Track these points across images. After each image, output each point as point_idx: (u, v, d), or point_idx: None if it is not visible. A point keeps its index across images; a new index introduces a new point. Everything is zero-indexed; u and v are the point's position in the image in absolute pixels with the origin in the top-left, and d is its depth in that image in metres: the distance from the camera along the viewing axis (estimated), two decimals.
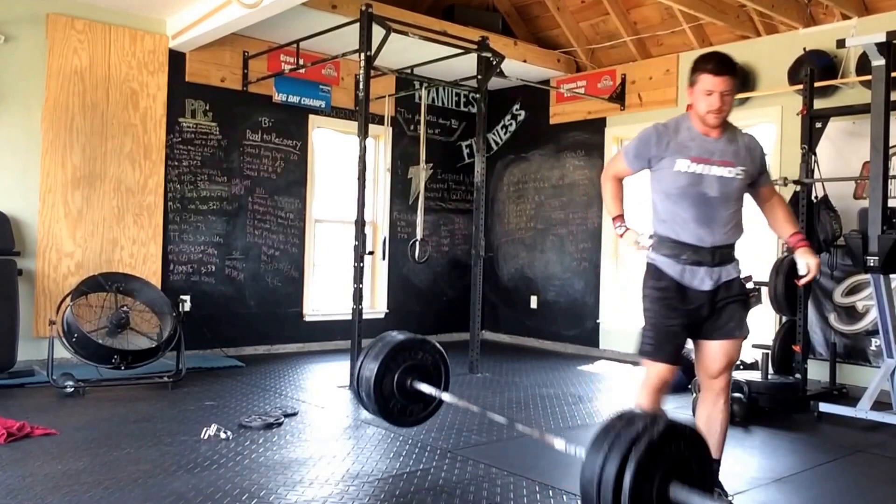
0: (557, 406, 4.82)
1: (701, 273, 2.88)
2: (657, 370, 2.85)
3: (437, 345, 3.50)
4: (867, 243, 4.40)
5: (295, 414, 4.29)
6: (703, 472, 2.38)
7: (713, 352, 2.90)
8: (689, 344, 4.70)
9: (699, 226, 2.89)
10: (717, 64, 2.78)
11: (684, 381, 5.49)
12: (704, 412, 2.95)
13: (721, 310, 2.90)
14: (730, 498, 3.00)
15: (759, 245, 6.15)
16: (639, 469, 2.16)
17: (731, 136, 2.90)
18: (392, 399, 3.26)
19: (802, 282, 3.06)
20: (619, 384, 5.77)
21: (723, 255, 2.94)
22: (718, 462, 2.94)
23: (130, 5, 5.84)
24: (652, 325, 2.88)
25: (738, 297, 2.95)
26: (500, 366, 6.17)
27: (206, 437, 3.77)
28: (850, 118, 5.37)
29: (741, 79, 2.93)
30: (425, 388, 3.32)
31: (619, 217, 2.98)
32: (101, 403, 4.53)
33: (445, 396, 3.25)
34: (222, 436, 3.77)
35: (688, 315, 2.87)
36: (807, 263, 2.97)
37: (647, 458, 2.19)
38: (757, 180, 2.99)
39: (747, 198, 3.06)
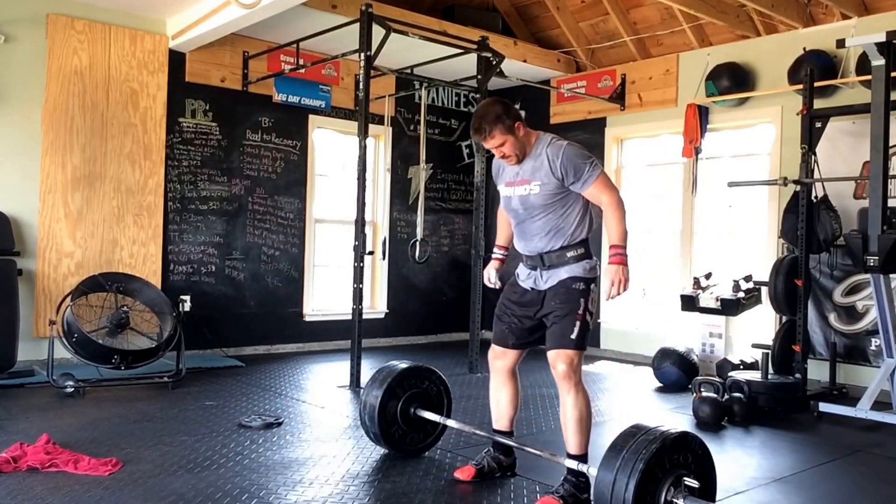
0: (558, 406, 4.80)
1: (534, 275, 3.13)
2: (491, 351, 3.29)
3: (441, 374, 3.69)
4: (867, 243, 4.40)
5: (280, 423, 4.22)
6: (706, 480, 2.46)
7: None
8: (690, 344, 4.77)
9: (518, 238, 3.21)
10: (473, 132, 3.03)
11: (684, 380, 5.50)
12: (560, 405, 3.05)
13: (547, 317, 3.06)
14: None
15: (759, 245, 6.16)
16: (643, 481, 2.32)
17: (534, 155, 3.04)
18: (394, 425, 3.47)
19: (606, 298, 3.09)
20: (619, 384, 5.77)
21: (551, 259, 3.07)
22: (573, 457, 2.96)
23: (130, 6, 5.84)
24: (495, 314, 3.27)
25: (562, 305, 3.01)
26: None
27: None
28: (850, 118, 5.37)
29: (507, 124, 2.98)
30: (429, 415, 3.50)
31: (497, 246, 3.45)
32: (101, 403, 4.53)
33: (450, 422, 3.41)
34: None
35: (521, 308, 3.16)
36: (610, 279, 2.98)
37: (651, 470, 2.37)
38: (570, 186, 3.01)
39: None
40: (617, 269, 2.97)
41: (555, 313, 3.01)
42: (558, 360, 2.95)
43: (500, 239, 3.46)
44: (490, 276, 3.41)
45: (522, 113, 7.91)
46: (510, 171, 3.13)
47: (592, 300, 3.05)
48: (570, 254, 3.05)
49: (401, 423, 3.49)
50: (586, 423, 2.98)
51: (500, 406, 3.32)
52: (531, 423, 4.34)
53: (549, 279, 3.07)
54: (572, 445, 2.97)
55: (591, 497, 2.46)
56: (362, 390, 3.56)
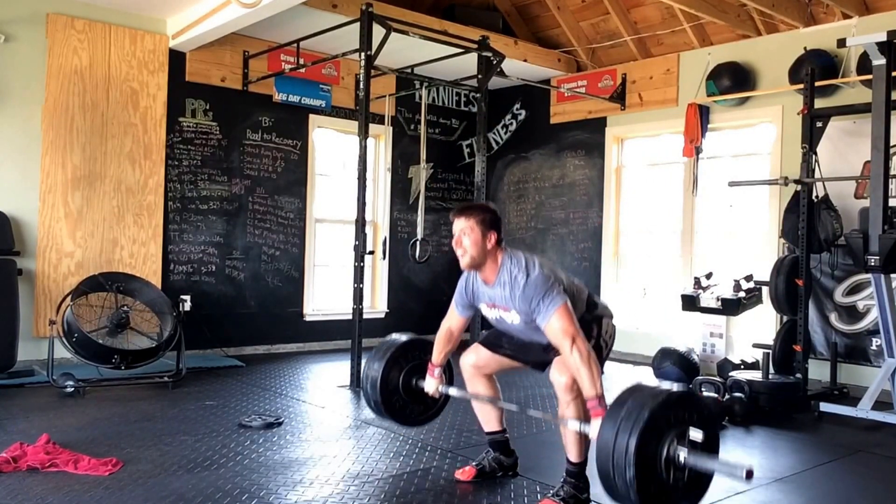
0: (556, 405, 4.80)
1: None
2: (467, 358, 3.25)
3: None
4: (868, 243, 4.40)
5: (280, 423, 4.23)
6: (711, 438, 2.43)
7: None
8: (690, 344, 4.76)
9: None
10: (457, 209, 3.02)
11: (685, 380, 5.50)
12: (559, 412, 2.97)
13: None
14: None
15: (760, 245, 6.15)
16: (647, 432, 2.31)
17: (499, 282, 2.97)
18: (396, 396, 3.35)
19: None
20: (619, 384, 5.75)
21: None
22: (573, 464, 2.94)
23: (130, 5, 5.84)
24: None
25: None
26: None
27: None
28: (851, 117, 5.36)
29: (484, 225, 2.95)
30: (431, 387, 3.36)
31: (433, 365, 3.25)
32: (102, 403, 4.53)
33: (452, 391, 3.31)
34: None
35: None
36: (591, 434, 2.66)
37: (655, 422, 2.34)
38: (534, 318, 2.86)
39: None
40: (598, 422, 2.56)
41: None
42: (563, 372, 2.83)
43: (437, 358, 3.26)
44: (435, 387, 3.23)
45: (523, 112, 7.94)
46: (486, 294, 3.03)
47: (606, 331, 3.03)
48: None
49: (402, 394, 3.38)
50: (586, 435, 2.91)
51: (483, 408, 3.28)
52: (531, 422, 4.33)
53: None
54: (573, 454, 2.94)
55: (595, 448, 2.40)
56: (364, 361, 3.48)
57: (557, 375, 2.86)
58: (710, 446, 2.46)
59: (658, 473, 2.35)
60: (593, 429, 2.59)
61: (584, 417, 2.86)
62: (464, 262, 2.98)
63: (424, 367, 3.33)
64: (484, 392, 3.27)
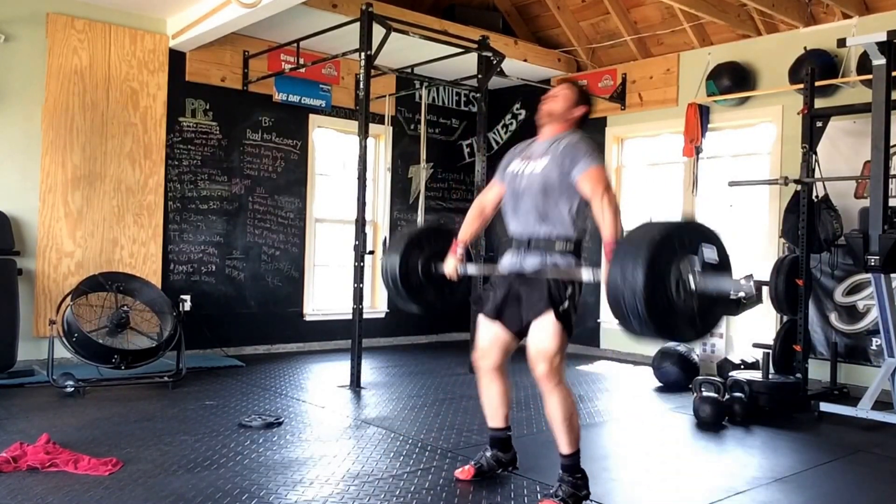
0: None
1: (518, 258, 3.06)
2: (477, 350, 3.22)
3: (442, 226, 3.68)
4: (868, 243, 4.40)
5: (280, 423, 4.24)
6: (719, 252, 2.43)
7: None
8: (690, 344, 4.71)
9: (511, 217, 3.14)
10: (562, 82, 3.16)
11: (685, 380, 5.50)
12: (544, 406, 2.99)
13: (527, 311, 3.01)
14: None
15: (760, 244, 6.15)
16: (658, 249, 2.31)
17: (555, 139, 3.06)
18: (415, 278, 3.37)
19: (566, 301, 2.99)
20: (619, 384, 5.77)
21: (538, 244, 3.01)
22: (566, 456, 2.94)
23: (130, 5, 5.84)
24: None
25: (541, 301, 2.94)
26: None
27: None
28: (851, 117, 5.36)
29: (575, 98, 3.11)
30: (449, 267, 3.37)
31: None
32: (102, 403, 4.53)
33: (471, 269, 3.37)
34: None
35: (501, 291, 3.12)
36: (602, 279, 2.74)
37: (667, 240, 2.35)
38: (568, 171, 2.95)
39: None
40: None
41: (534, 310, 2.94)
42: (538, 360, 2.89)
43: (465, 234, 3.34)
44: (454, 267, 3.27)
45: (523, 112, 7.94)
46: (527, 151, 3.15)
47: (575, 300, 2.96)
48: (557, 246, 2.97)
49: (422, 279, 3.39)
50: (572, 419, 2.94)
51: (493, 402, 3.28)
52: (531, 422, 4.33)
53: (530, 261, 2.99)
54: (564, 444, 2.94)
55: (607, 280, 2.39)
56: (385, 250, 3.50)
57: (533, 364, 2.91)
58: (721, 266, 2.43)
59: (669, 297, 2.33)
60: (603, 270, 2.63)
61: (567, 406, 2.91)
62: (542, 111, 3.14)
63: (444, 253, 3.35)
64: (496, 396, 3.24)
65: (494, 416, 3.30)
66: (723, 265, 2.44)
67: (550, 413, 2.95)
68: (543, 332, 2.90)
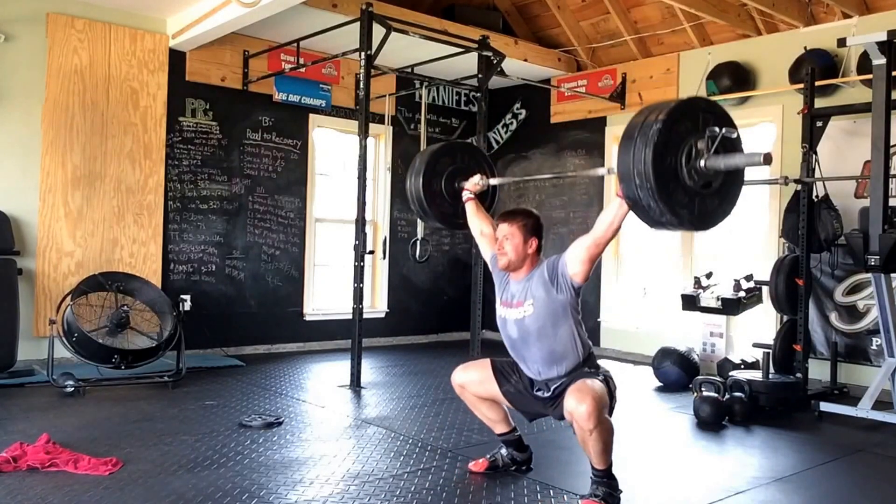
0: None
1: (543, 390, 3.10)
2: (464, 377, 3.29)
3: (472, 144, 3.81)
4: (868, 242, 4.40)
5: (281, 422, 4.25)
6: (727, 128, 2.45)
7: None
8: (690, 343, 4.67)
9: (518, 361, 3.16)
10: (504, 212, 3.20)
11: (685, 380, 5.50)
12: (577, 434, 2.92)
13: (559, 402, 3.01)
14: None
15: (760, 244, 6.15)
16: (669, 122, 2.32)
17: (530, 276, 3.07)
18: (439, 198, 3.60)
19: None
20: (619, 384, 5.74)
21: (556, 384, 3.02)
22: (600, 471, 2.93)
23: (130, 5, 5.84)
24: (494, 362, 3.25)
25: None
26: None
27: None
28: (851, 117, 5.36)
29: (527, 230, 3.15)
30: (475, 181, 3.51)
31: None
32: (102, 403, 4.53)
33: (493, 181, 3.50)
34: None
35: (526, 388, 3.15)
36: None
37: (679, 114, 2.36)
38: (560, 265, 2.98)
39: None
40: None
41: (569, 386, 2.92)
42: (582, 401, 2.75)
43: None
44: (476, 181, 3.46)
45: (523, 112, 7.94)
46: (508, 292, 3.14)
47: (609, 380, 3.00)
48: (574, 374, 3.00)
49: (447, 198, 3.59)
50: (610, 446, 2.90)
51: (486, 413, 3.31)
52: (532, 423, 4.32)
53: (554, 391, 3.04)
54: (598, 462, 2.92)
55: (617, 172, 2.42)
56: (408, 175, 3.69)
57: (576, 404, 2.77)
58: (730, 144, 2.45)
59: (680, 176, 2.36)
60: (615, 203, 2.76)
61: (607, 437, 2.85)
62: (501, 262, 3.14)
63: (464, 169, 3.55)
64: (485, 407, 3.29)
65: (494, 424, 3.34)
66: (732, 142, 2.43)
67: (590, 447, 2.85)
68: (584, 384, 2.85)
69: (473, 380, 3.26)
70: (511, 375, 3.20)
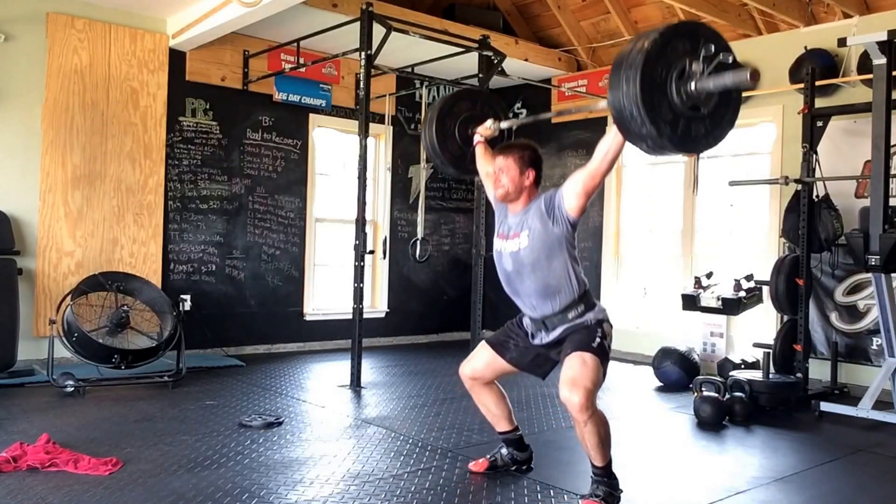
0: (559, 405, 4.81)
1: (539, 334, 3.10)
2: (468, 367, 3.27)
3: (489, 92, 3.83)
4: (868, 242, 4.40)
5: (281, 422, 4.26)
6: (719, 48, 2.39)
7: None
8: (691, 343, 4.64)
9: (513, 297, 3.15)
10: (500, 146, 3.22)
11: (685, 380, 5.50)
12: (576, 429, 2.92)
13: (559, 354, 3.01)
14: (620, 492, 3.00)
15: (761, 244, 6.15)
16: (646, 77, 2.27)
17: (527, 208, 3.06)
18: (455, 146, 3.62)
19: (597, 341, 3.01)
20: (619, 384, 5.76)
21: (553, 322, 3.01)
22: (599, 468, 2.93)
23: (130, 4, 5.83)
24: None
25: (574, 341, 2.96)
26: None
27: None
28: (852, 117, 5.36)
29: (523, 161, 3.12)
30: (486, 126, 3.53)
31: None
32: (102, 403, 4.53)
33: (503, 124, 3.52)
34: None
35: (524, 341, 3.16)
36: None
37: (654, 64, 2.30)
38: (557, 197, 2.97)
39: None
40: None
41: (565, 351, 2.93)
42: (574, 391, 2.77)
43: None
44: (489, 124, 3.48)
45: (524, 112, 7.94)
46: (505, 225, 3.15)
47: (606, 335, 2.98)
48: (570, 314, 2.98)
49: (459, 142, 3.60)
50: (607, 439, 2.92)
51: (490, 410, 3.32)
52: (532, 422, 4.33)
53: (553, 334, 3.03)
54: (598, 459, 2.93)
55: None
56: (422, 125, 3.66)
57: (568, 394, 2.78)
58: (725, 69, 2.39)
59: (670, 101, 2.34)
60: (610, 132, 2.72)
61: (602, 429, 2.86)
62: (499, 193, 3.12)
63: (477, 116, 3.58)
64: (492, 403, 3.30)
65: (497, 421, 3.34)
66: (727, 67, 2.41)
67: (586, 440, 2.87)
68: (578, 364, 2.84)
69: (479, 366, 3.24)
70: (508, 341, 3.20)
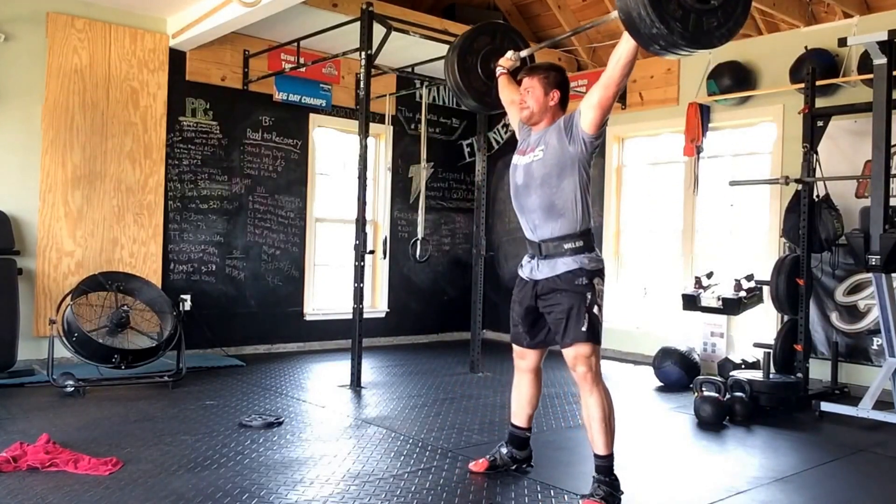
0: (558, 405, 4.81)
1: (532, 264, 3.11)
2: (514, 350, 3.31)
3: (509, 25, 3.90)
4: (869, 242, 4.39)
5: (281, 422, 4.27)
6: None
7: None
8: (691, 343, 4.64)
9: (519, 215, 3.17)
10: (526, 68, 3.22)
11: (685, 380, 5.50)
12: (582, 405, 3.04)
13: (550, 313, 3.05)
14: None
15: (761, 244, 6.15)
16: None
17: (550, 127, 3.09)
18: (477, 81, 3.62)
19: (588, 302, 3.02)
20: (620, 383, 5.76)
21: (549, 248, 3.02)
22: (601, 457, 2.96)
23: (131, 4, 5.83)
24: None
25: (566, 301, 2.97)
26: (501, 365, 6.16)
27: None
28: (852, 117, 5.35)
29: (548, 82, 3.16)
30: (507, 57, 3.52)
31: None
32: (102, 403, 4.52)
33: (523, 52, 3.51)
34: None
35: (520, 306, 3.17)
36: None
37: None
38: (577, 115, 2.99)
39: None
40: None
41: (560, 309, 2.97)
42: (576, 361, 2.94)
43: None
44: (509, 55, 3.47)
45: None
46: (526, 141, 3.18)
47: (598, 293, 2.98)
48: (567, 245, 2.98)
49: (485, 80, 3.62)
50: (610, 420, 2.97)
51: (520, 402, 3.35)
52: (532, 423, 4.32)
53: (544, 269, 3.03)
54: (599, 446, 2.96)
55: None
56: (445, 64, 3.65)
57: (577, 365, 2.94)
58: None
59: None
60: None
61: (605, 406, 2.96)
62: (523, 115, 3.15)
63: (497, 50, 3.57)
64: (524, 394, 3.33)
65: (519, 413, 3.35)
66: None
67: (589, 413, 2.98)
68: (575, 331, 2.93)
69: (518, 362, 3.31)
70: (516, 319, 3.22)
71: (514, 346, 3.31)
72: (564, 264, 2.98)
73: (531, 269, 3.10)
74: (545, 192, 2.99)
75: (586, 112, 2.93)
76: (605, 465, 2.96)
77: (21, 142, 5.53)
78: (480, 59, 3.63)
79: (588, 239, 3.01)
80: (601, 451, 2.95)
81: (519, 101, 3.16)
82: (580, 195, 2.98)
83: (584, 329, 2.91)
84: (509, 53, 3.51)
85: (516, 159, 3.17)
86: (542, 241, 3.03)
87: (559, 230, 2.98)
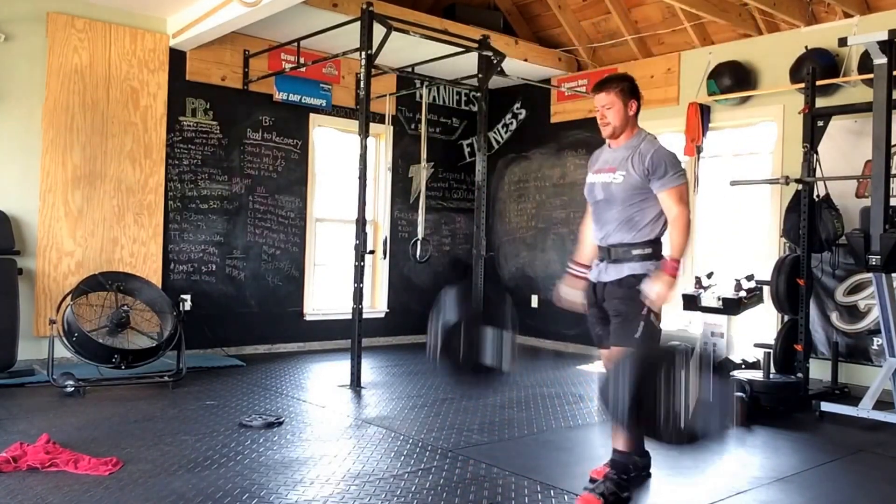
0: (558, 405, 4.81)
1: (599, 267, 3.16)
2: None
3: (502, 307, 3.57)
4: (869, 242, 4.39)
5: (281, 422, 4.27)
6: None
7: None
8: (691, 343, 4.60)
9: (594, 225, 3.23)
10: (596, 85, 3.16)
11: None
12: None
13: (610, 313, 3.09)
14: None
15: (761, 244, 6.15)
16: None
17: (628, 145, 3.08)
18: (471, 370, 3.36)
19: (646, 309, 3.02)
20: None
21: (618, 253, 3.07)
22: (620, 453, 3.00)
23: (131, 4, 5.83)
24: None
25: (625, 304, 3.02)
26: None
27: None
28: (852, 117, 5.35)
29: (625, 94, 3.12)
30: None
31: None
32: (102, 403, 4.52)
33: (591, 274, 3.30)
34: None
35: (592, 308, 3.21)
36: (648, 290, 2.94)
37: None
38: (650, 183, 3.02)
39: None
40: (667, 279, 2.90)
41: (617, 312, 3.01)
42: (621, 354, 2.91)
43: (579, 255, 3.38)
44: (565, 293, 3.31)
45: (524, 112, 7.94)
46: (602, 159, 3.19)
47: (654, 316, 3.03)
48: (636, 251, 3.03)
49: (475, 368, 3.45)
50: (641, 413, 2.94)
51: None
52: (532, 423, 4.33)
53: (610, 272, 3.07)
54: (622, 441, 2.98)
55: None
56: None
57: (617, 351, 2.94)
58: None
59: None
60: (656, 284, 2.89)
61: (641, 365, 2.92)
62: (606, 131, 3.14)
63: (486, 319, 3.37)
64: None
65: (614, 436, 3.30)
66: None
67: (621, 403, 2.91)
68: (627, 334, 2.97)
69: (604, 358, 3.27)
70: (591, 322, 3.24)
71: (600, 350, 3.28)
72: (630, 269, 3.03)
73: (598, 272, 3.14)
74: (627, 209, 3.05)
75: (658, 190, 3.00)
76: (621, 462, 2.96)
77: (21, 142, 5.52)
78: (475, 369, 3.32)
79: (657, 248, 3.07)
80: (621, 447, 2.99)
81: (599, 118, 3.14)
82: (660, 216, 3.05)
83: (636, 336, 2.94)
84: (570, 292, 3.30)
85: (592, 178, 3.18)
86: (611, 245, 3.08)
87: (631, 238, 3.05)
